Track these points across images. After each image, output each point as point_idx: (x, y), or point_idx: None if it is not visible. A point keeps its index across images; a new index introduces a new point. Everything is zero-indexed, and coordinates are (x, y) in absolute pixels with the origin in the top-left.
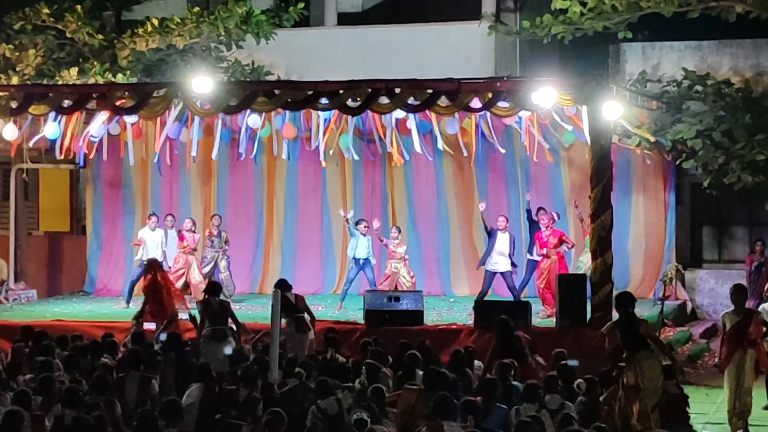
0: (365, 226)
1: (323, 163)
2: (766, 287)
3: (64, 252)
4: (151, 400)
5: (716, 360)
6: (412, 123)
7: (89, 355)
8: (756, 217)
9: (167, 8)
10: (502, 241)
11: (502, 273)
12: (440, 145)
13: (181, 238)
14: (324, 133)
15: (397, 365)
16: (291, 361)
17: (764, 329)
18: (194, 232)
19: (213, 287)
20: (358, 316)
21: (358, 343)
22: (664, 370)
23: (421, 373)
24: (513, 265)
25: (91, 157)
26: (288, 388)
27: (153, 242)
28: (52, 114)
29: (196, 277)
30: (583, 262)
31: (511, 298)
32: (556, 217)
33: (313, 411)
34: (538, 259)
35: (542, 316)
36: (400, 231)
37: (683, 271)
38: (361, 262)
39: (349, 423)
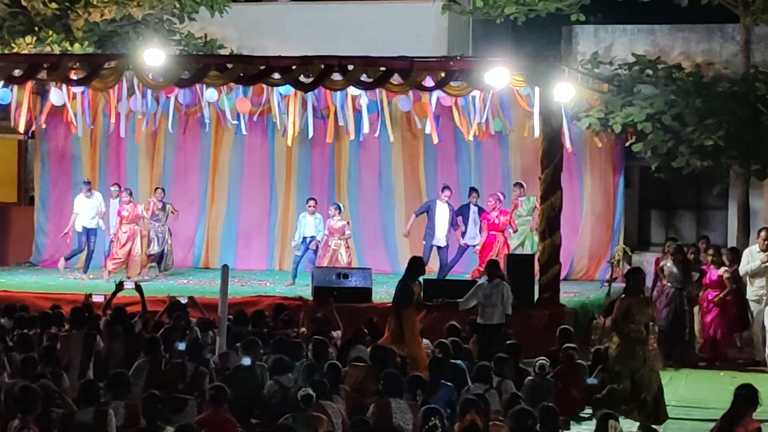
0: (312, 205)
1: (289, 141)
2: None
3: (11, 223)
4: (96, 356)
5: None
6: (363, 102)
7: (37, 326)
8: (704, 201)
9: None
10: (442, 211)
11: (439, 247)
12: (387, 125)
13: (120, 212)
14: (290, 113)
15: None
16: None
17: None
18: (132, 203)
19: None
20: (307, 293)
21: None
22: None
23: (367, 349)
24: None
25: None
26: (239, 365)
27: (86, 209)
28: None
29: (137, 249)
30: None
31: (454, 277)
32: (501, 197)
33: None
34: (475, 243)
35: None
36: (340, 209)
37: (630, 254)
38: (308, 240)
39: (293, 398)
